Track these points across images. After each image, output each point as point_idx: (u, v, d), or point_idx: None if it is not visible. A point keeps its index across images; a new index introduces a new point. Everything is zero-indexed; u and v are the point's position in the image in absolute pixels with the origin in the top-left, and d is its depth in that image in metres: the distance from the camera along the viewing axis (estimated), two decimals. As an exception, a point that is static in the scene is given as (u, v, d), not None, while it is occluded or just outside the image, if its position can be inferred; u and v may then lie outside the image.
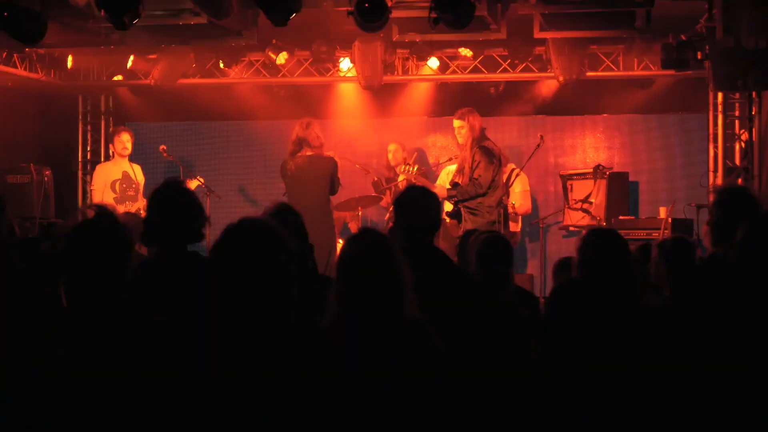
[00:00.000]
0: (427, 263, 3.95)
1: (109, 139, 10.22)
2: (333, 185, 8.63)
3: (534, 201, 10.72)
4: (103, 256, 3.17)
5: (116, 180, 9.98)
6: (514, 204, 9.74)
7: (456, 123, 8.67)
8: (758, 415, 3.51)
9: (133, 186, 9.97)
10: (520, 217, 10.08)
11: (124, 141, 9.96)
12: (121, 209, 9.22)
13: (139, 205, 9.70)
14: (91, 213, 3.27)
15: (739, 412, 3.54)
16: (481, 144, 8.53)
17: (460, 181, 8.58)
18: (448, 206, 8.74)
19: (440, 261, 4.27)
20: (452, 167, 10.23)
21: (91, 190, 10.42)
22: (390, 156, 10.60)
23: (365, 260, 3.13)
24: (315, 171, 8.55)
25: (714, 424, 3.61)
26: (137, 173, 10.07)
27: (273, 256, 3.02)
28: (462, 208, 8.54)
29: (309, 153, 8.57)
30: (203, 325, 3.24)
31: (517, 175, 9.51)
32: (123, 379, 3.05)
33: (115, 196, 9.89)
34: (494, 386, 4.07)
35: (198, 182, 9.88)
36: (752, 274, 3.65)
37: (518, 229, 10.07)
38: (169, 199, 4.09)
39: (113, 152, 10.09)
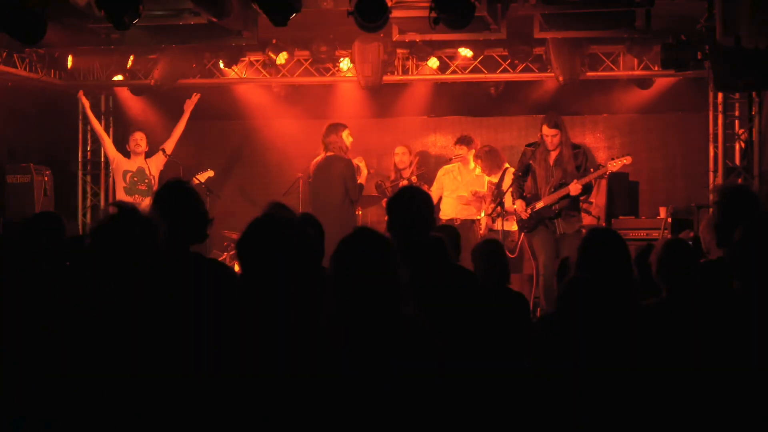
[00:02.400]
0: (421, 262, 3.95)
1: (125, 140, 10.56)
2: (347, 187, 8.79)
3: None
4: (131, 249, 3.19)
5: (129, 171, 10.23)
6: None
7: (550, 131, 8.37)
8: (758, 415, 3.51)
9: (146, 181, 10.21)
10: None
11: (137, 139, 10.23)
12: (128, 200, 9.61)
13: (148, 202, 9.94)
14: (113, 210, 3.29)
15: (738, 414, 3.54)
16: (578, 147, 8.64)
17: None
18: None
19: (435, 259, 4.26)
20: (449, 167, 10.25)
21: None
22: (397, 159, 10.62)
23: (361, 259, 3.13)
24: (329, 171, 8.81)
25: (713, 425, 3.61)
26: (153, 170, 10.27)
27: (296, 253, 3.05)
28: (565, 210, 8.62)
29: (329, 154, 8.77)
30: (204, 325, 3.24)
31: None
32: (125, 377, 3.05)
33: (124, 186, 10.20)
34: (491, 384, 4.07)
35: (209, 174, 10.18)
36: (750, 274, 3.65)
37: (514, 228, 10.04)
38: (173, 199, 4.09)
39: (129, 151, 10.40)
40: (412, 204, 4.33)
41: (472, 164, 9.99)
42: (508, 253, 8.88)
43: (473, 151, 10.03)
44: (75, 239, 4.76)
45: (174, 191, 4.15)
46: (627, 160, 8.47)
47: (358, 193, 8.98)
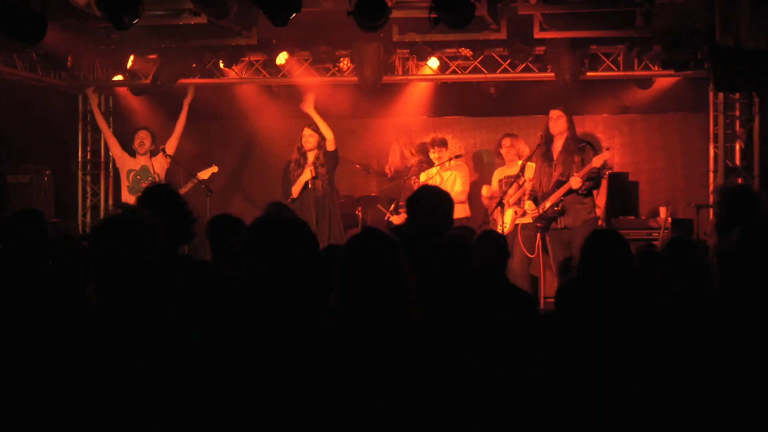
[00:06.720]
0: (438, 262, 3.97)
1: (126, 140, 10.64)
2: None
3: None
4: (129, 252, 3.17)
5: (132, 170, 10.33)
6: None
7: (555, 113, 8.48)
8: (758, 416, 3.51)
9: (149, 179, 10.24)
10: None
11: (142, 138, 10.30)
12: (132, 199, 9.85)
13: None
14: (118, 211, 3.28)
15: (737, 414, 3.54)
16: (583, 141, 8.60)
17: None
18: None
19: (452, 260, 4.27)
20: (431, 171, 10.19)
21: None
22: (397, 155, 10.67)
23: (368, 260, 3.13)
24: None
25: (715, 425, 3.61)
26: (158, 169, 10.33)
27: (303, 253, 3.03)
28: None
29: None
30: (196, 327, 3.23)
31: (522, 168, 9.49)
32: (127, 378, 3.05)
33: (128, 185, 10.32)
34: (497, 385, 4.07)
35: (213, 170, 10.26)
36: (749, 273, 3.64)
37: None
38: (156, 202, 4.09)
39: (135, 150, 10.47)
40: (433, 204, 4.36)
41: (446, 164, 9.96)
42: (526, 252, 8.90)
43: (448, 151, 10.05)
44: (59, 239, 4.74)
45: (155, 194, 4.17)
46: (607, 155, 8.45)
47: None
